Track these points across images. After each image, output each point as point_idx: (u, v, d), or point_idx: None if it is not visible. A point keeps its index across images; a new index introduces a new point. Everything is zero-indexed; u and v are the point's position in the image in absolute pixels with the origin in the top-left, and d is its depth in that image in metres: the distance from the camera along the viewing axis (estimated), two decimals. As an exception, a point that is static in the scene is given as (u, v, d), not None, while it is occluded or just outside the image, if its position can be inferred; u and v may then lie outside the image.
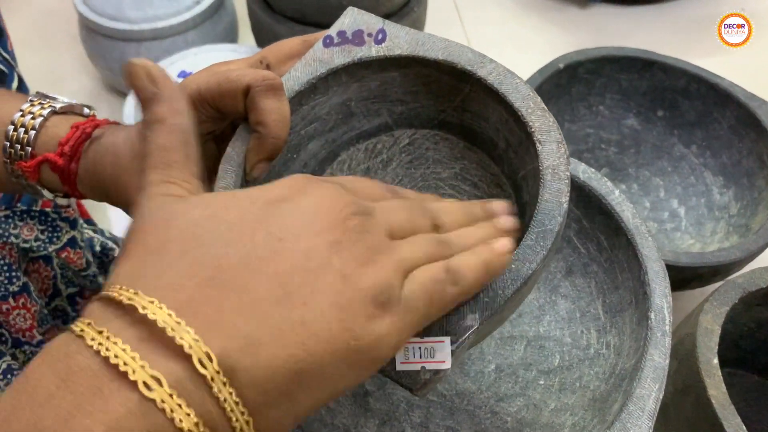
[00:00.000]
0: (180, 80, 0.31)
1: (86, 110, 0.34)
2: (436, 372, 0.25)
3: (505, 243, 0.24)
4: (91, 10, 0.84)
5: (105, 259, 0.55)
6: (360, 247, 0.21)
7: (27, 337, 0.46)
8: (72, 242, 0.48)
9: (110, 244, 0.55)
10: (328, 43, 0.33)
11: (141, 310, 0.18)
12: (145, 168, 0.25)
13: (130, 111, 0.73)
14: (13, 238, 0.44)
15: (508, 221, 0.27)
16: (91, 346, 0.18)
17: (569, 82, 0.73)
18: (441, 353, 0.25)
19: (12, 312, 0.44)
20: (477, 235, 0.25)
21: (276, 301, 0.19)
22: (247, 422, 0.19)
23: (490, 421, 0.42)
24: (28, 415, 0.17)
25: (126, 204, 0.32)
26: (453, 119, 0.35)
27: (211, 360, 0.18)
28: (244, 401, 0.18)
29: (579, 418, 0.38)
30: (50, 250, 0.47)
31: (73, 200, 0.51)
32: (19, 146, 0.32)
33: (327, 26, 0.33)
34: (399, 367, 0.25)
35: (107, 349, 0.17)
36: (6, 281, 0.44)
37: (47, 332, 0.47)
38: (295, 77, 0.32)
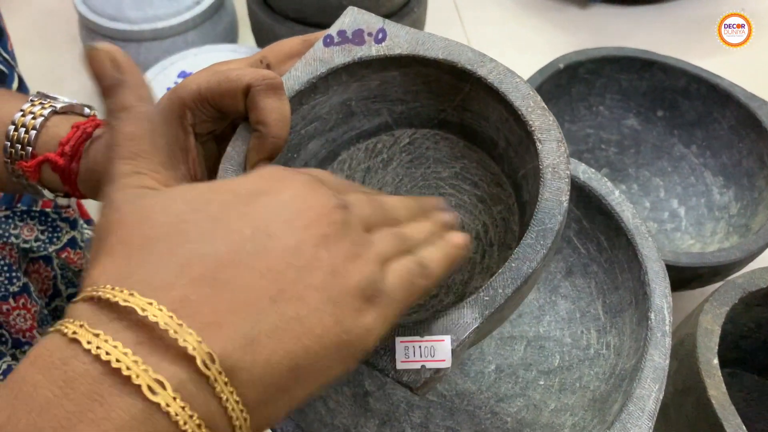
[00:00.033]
0: (180, 80, 0.31)
1: (87, 110, 0.34)
2: (437, 371, 0.25)
3: (460, 236, 0.26)
4: (91, 10, 0.84)
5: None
6: (346, 242, 0.21)
7: (27, 338, 0.46)
8: (72, 242, 0.48)
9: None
10: (328, 42, 0.33)
11: (141, 312, 0.18)
12: (114, 158, 0.24)
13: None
14: (13, 239, 0.44)
15: (447, 215, 0.28)
16: (89, 350, 0.17)
17: (569, 83, 0.73)
18: (441, 352, 0.25)
19: (12, 312, 0.44)
20: (427, 229, 0.26)
21: (270, 298, 0.19)
22: (246, 420, 0.19)
23: (490, 421, 0.42)
24: (25, 423, 0.16)
25: None
26: (453, 118, 0.35)
27: (213, 361, 0.18)
28: (244, 400, 0.19)
29: (579, 418, 0.38)
30: (50, 250, 0.47)
31: (73, 200, 0.51)
32: (19, 146, 0.32)
33: (327, 27, 0.33)
34: (399, 365, 0.25)
35: (107, 353, 0.17)
36: (6, 282, 0.44)
37: (47, 332, 0.47)
38: (296, 76, 0.32)
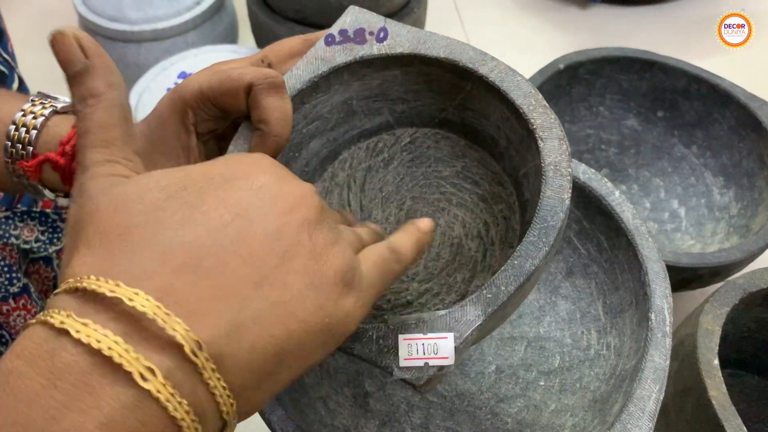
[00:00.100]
0: (180, 81, 0.31)
1: (87, 110, 0.34)
2: (440, 368, 0.25)
3: (426, 221, 0.28)
4: (91, 10, 0.84)
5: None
6: (325, 227, 0.22)
7: (27, 338, 0.45)
8: (72, 242, 0.48)
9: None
10: (329, 41, 0.33)
11: (128, 302, 0.18)
12: (85, 146, 0.23)
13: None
14: (13, 239, 0.44)
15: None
16: (78, 340, 0.17)
17: (569, 83, 0.73)
18: (444, 349, 0.25)
19: (12, 313, 0.44)
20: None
21: (254, 284, 0.19)
22: (232, 405, 0.19)
23: (490, 422, 0.42)
24: (13, 414, 0.16)
25: None
26: (454, 117, 0.35)
27: (201, 348, 0.18)
28: (231, 386, 0.19)
29: (579, 419, 0.38)
30: (51, 251, 0.47)
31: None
32: (20, 146, 0.32)
33: (327, 27, 0.33)
34: (402, 363, 0.25)
35: (98, 341, 0.17)
36: (6, 282, 0.44)
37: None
38: (297, 75, 0.32)
